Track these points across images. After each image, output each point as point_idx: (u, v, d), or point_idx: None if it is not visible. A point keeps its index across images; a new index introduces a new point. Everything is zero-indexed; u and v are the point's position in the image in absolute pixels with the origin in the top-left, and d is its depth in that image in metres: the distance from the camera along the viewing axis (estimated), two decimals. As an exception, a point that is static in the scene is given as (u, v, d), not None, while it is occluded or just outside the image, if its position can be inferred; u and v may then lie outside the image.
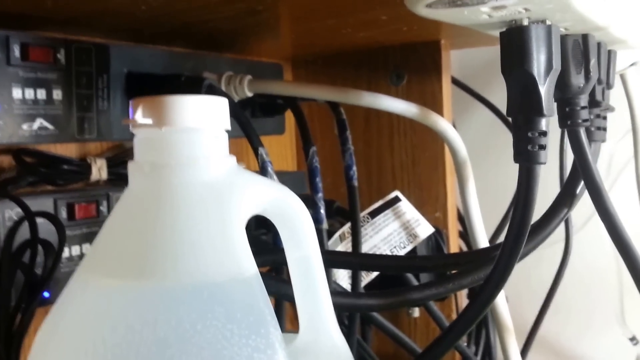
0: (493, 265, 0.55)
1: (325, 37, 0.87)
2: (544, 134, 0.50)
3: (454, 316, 0.92)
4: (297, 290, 0.49)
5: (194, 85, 0.72)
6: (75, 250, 0.67)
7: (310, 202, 0.72)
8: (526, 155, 0.51)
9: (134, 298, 0.41)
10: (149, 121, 0.43)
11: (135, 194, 0.45)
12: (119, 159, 0.74)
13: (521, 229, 0.53)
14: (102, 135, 0.70)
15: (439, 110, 0.90)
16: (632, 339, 1.10)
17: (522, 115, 0.51)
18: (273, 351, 0.41)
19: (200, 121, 0.44)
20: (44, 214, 0.63)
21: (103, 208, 0.69)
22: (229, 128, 0.46)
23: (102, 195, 0.70)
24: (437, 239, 0.86)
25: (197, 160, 0.44)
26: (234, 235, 0.43)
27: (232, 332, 0.40)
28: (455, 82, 1.03)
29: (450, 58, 0.94)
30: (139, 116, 0.43)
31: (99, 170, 0.71)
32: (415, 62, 0.94)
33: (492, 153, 1.11)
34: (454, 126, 0.88)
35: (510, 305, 0.75)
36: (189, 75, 0.75)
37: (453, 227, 0.94)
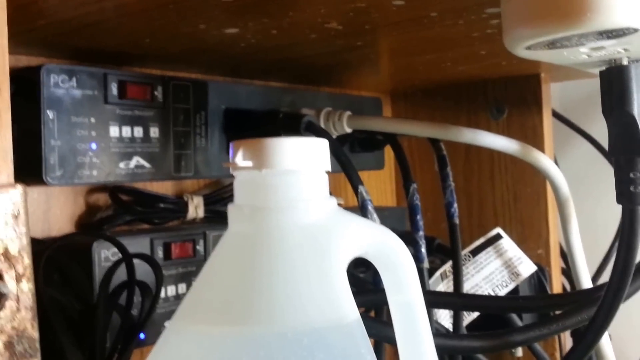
0: (597, 307, 0.55)
1: (425, 71, 0.87)
2: None
3: (558, 355, 0.90)
4: (399, 334, 0.47)
5: (293, 122, 0.71)
6: (171, 290, 0.66)
7: (410, 240, 0.70)
8: (628, 197, 0.51)
9: (233, 345, 0.40)
10: (249, 164, 0.42)
11: (235, 237, 0.44)
12: (217, 197, 0.73)
13: (625, 271, 0.52)
14: (199, 172, 0.69)
15: (539, 144, 0.90)
16: None
17: (623, 156, 0.51)
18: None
19: (300, 163, 0.43)
20: (140, 256, 0.62)
21: (200, 247, 0.68)
22: (330, 169, 0.44)
23: (199, 234, 0.68)
24: (540, 276, 0.84)
25: (297, 202, 0.43)
26: (335, 279, 0.42)
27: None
28: (555, 115, 1.02)
29: (550, 91, 0.93)
30: (239, 159, 0.42)
31: (196, 208, 0.70)
32: (515, 95, 0.93)
33: (593, 187, 1.08)
34: (555, 161, 0.86)
35: (614, 344, 0.73)
36: (287, 111, 0.74)
37: (556, 265, 0.92)
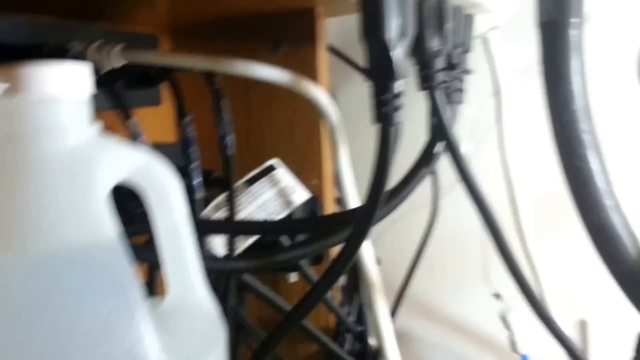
0: (352, 225, 0.58)
1: (201, 5, 0.86)
2: (397, 96, 0.53)
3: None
4: (165, 256, 0.49)
5: (59, 56, 0.69)
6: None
7: (185, 172, 0.72)
8: (381, 118, 0.54)
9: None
10: (1, 89, 0.41)
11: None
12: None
13: (378, 188, 0.56)
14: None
15: (315, 78, 0.90)
16: (496, 295, 1.15)
17: (376, 80, 0.53)
18: (132, 310, 0.40)
19: (58, 89, 0.42)
20: None
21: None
22: (90, 95, 0.44)
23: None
24: (312, 205, 0.86)
25: (55, 130, 0.42)
26: (94, 202, 0.42)
27: (90, 294, 0.40)
28: (332, 50, 1.03)
29: (325, 26, 0.94)
30: (-9, 84, 0.41)
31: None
32: (291, 31, 0.93)
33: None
34: (334, 95, 0.88)
35: (384, 268, 0.77)
36: (54, 45, 0.72)
37: (329, 194, 0.95)
